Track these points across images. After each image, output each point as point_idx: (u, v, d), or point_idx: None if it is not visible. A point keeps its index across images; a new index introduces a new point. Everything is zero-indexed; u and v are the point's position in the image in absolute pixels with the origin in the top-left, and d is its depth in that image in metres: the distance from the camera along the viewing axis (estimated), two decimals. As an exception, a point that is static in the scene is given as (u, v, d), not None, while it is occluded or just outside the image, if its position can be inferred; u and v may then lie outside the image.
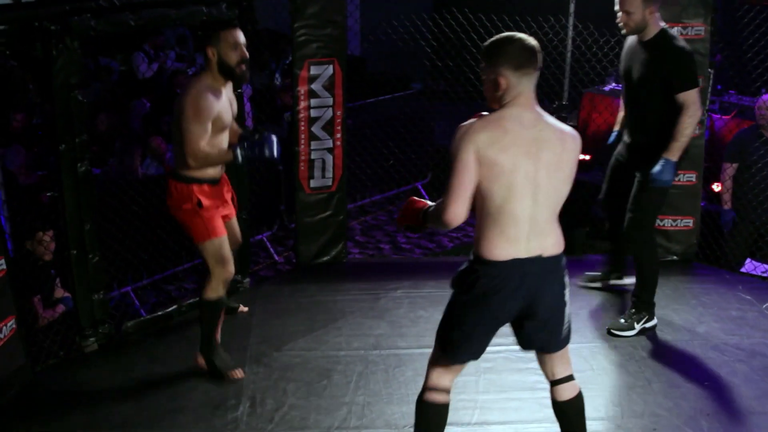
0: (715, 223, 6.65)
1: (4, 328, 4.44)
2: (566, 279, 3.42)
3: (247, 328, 5.25)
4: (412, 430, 4.13)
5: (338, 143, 5.98)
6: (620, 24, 4.85)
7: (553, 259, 3.33)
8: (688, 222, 6.21)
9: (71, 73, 4.62)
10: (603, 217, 7.48)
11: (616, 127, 5.39)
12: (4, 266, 4.40)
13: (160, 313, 5.39)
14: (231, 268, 4.52)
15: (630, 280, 5.45)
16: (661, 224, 6.16)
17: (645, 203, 5.00)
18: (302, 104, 5.83)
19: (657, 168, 4.82)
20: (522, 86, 3.21)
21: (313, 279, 5.94)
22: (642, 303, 5.16)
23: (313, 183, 5.98)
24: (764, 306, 5.55)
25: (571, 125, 6.52)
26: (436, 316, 5.23)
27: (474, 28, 6.72)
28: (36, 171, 7.06)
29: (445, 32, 7.11)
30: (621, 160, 5.24)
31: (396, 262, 7.07)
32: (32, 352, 4.79)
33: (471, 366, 4.68)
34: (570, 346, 4.85)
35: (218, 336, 4.68)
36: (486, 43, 3.29)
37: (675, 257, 6.24)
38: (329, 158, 5.98)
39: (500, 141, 3.16)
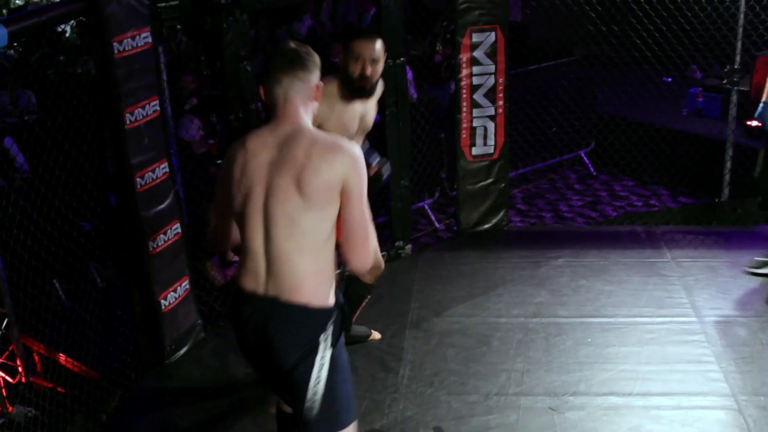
0: None
1: (179, 288, 4.70)
2: (319, 342, 2.85)
3: (408, 293, 5.33)
4: (571, 398, 4.16)
5: (500, 111, 5.95)
6: None
7: (291, 308, 2.82)
8: None
9: (240, 46, 4.78)
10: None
11: (765, 98, 5.16)
12: (180, 230, 4.65)
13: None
14: None
15: None
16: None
17: None
18: (464, 72, 5.83)
19: None
20: (273, 97, 2.89)
21: (474, 246, 5.96)
22: None
23: (474, 150, 5.99)
24: None
25: (743, 90, 6.31)
26: (598, 285, 5.25)
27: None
28: (208, 140, 7.37)
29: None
30: None
31: (557, 231, 7.00)
32: (204, 312, 5.04)
33: (634, 337, 4.68)
34: (739, 319, 4.82)
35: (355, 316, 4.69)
36: None
37: None
38: (491, 126, 5.97)
39: (237, 161, 2.90)
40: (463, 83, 5.85)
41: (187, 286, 4.77)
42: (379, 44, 3.99)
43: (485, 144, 5.98)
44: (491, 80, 5.88)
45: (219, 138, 7.28)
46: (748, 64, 7.54)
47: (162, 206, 4.51)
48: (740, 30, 6.25)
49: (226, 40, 4.74)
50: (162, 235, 4.52)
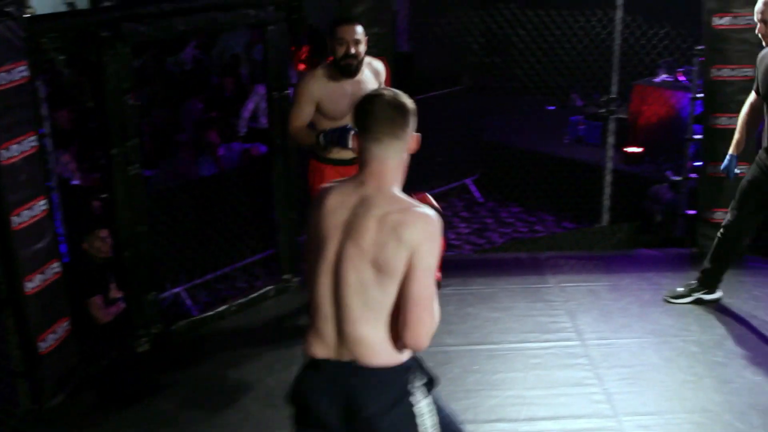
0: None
1: (59, 329, 4.55)
2: (410, 392, 2.76)
3: (296, 327, 5.29)
4: (485, 426, 4.17)
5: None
6: (758, 35, 4.66)
7: (374, 372, 2.71)
8: (741, 215, 6.11)
9: (122, 79, 4.71)
10: (653, 211, 7.46)
11: (732, 151, 5.09)
12: (58, 269, 4.52)
13: (211, 312, 5.48)
14: None
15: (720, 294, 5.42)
16: (713, 216, 6.09)
17: None
18: (349, 103, 5.87)
19: None
20: (368, 153, 2.73)
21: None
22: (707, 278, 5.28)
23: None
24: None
25: (620, 118, 6.49)
26: (485, 312, 5.32)
27: (521, 23, 6.71)
28: (90, 174, 7.21)
29: (492, 28, 7.09)
30: (761, 185, 4.95)
31: (445, 259, 7.01)
32: (86, 353, 4.91)
33: (520, 362, 4.76)
34: (619, 341, 4.94)
35: None
36: None
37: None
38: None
39: (313, 216, 2.81)
40: (348, 115, 5.88)
41: (68, 327, 4.63)
42: (359, 28, 4.66)
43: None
44: (377, 111, 5.91)
45: (102, 172, 7.13)
46: (625, 93, 7.82)
47: (40, 245, 4.37)
48: (616, 60, 6.48)
49: (108, 73, 4.67)
50: (40, 275, 4.38)
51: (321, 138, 4.57)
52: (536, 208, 8.50)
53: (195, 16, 5.00)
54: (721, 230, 5.19)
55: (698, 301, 5.34)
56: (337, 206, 2.73)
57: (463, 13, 6.68)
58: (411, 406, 2.73)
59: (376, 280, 2.65)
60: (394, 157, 2.73)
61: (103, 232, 5.44)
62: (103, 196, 5.17)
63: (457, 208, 8.77)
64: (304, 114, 4.75)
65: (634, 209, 7.19)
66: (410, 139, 2.76)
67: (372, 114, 2.69)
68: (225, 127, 8.49)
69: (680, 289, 5.40)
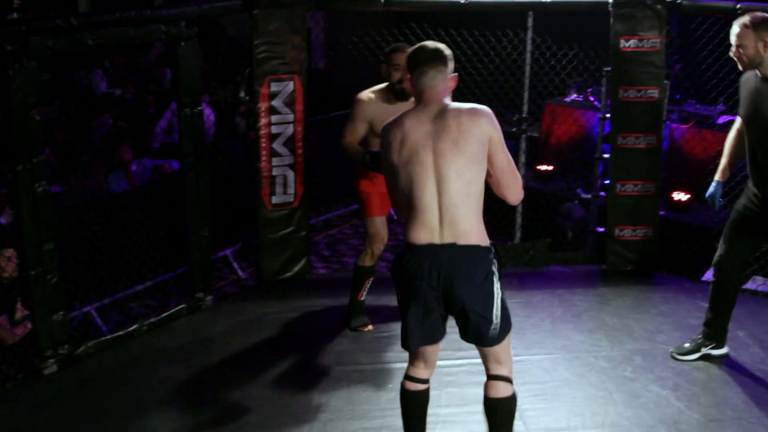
0: (675, 231, 6.74)
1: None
2: (493, 272, 3.51)
3: (209, 346, 5.24)
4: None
5: (299, 159, 5.99)
6: (734, 58, 4.54)
7: (467, 249, 3.45)
8: (648, 231, 6.27)
9: (29, 93, 4.60)
10: (565, 228, 7.59)
11: (718, 177, 4.89)
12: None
13: (121, 332, 5.36)
14: (380, 244, 5.34)
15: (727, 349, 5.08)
16: (621, 234, 6.24)
17: None
18: (263, 121, 5.84)
19: None
20: (420, 85, 3.55)
21: (277, 295, 5.94)
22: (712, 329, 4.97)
23: (274, 199, 5.99)
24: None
25: (532, 136, 6.56)
26: (398, 329, 5.28)
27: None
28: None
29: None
30: (751, 215, 4.70)
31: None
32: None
33: (434, 380, 4.74)
34: (531, 358, 5.00)
35: (362, 297, 5.41)
36: None
37: (635, 267, 6.31)
38: (291, 174, 5.99)
39: (395, 138, 3.52)
40: (262, 132, 5.86)
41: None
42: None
43: (285, 193, 5.99)
44: (290, 129, 5.92)
45: (9, 188, 6.93)
46: (536, 112, 7.94)
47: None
48: (527, 80, 6.58)
49: (13, 88, 4.55)
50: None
51: (367, 157, 4.79)
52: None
53: (104, 31, 4.92)
54: (714, 268, 4.92)
55: (706, 357, 4.99)
56: (415, 124, 3.50)
57: (376, 32, 6.70)
58: (492, 284, 3.50)
59: (468, 166, 3.44)
60: (439, 84, 3.53)
61: (8, 252, 5.28)
62: (11, 212, 5.03)
63: (371, 226, 8.76)
64: (356, 131, 5.05)
65: (546, 227, 7.29)
66: (450, 77, 3.57)
67: (417, 56, 3.55)
68: (137, 142, 8.36)
69: (687, 345, 5.05)
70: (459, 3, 6.04)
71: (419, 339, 3.64)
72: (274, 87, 5.81)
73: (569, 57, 6.74)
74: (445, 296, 3.50)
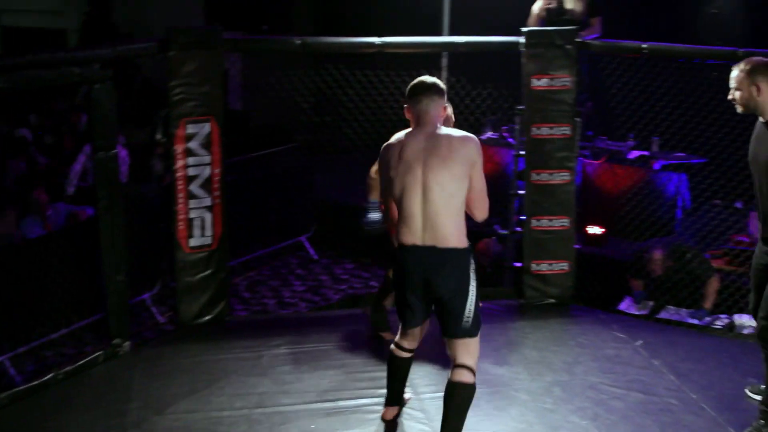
0: (590, 264, 6.87)
1: None
2: (470, 272, 4.09)
3: (127, 393, 5.13)
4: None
5: (217, 201, 5.95)
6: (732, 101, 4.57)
7: (446, 251, 4.03)
8: (564, 266, 6.39)
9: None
10: (483, 264, 7.66)
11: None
12: None
13: (35, 382, 5.22)
14: None
15: None
16: (538, 269, 6.34)
17: None
18: (179, 163, 5.80)
19: None
20: (418, 111, 4.17)
21: (196, 339, 5.86)
22: None
23: (192, 242, 5.93)
24: (637, 343, 5.75)
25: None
26: (320, 371, 5.30)
27: (350, 83, 6.83)
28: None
29: (321, 88, 7.19)
30: (761, 267, 4.68)
31: (280, 318, 7.06)
32: None
33: (357, 420, 4.76)
34: (436, 394, 5.01)
35: (388, 302, 5.65)
36: None
37: (552, 300, 6.41)
38: (208, 216, 5.94)
39: (394, 151, 4.14)
40: (178, 174, 5.81)
41: None
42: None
43: (203, 235, 5.94)
44: (207, 171, 5.88)
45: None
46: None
47: None
48: (442, 119, 6.67)
49: None
50: None
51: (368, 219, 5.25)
52: (370, 264, 8.59)
53: (16, 74, 4.84)
54: (762, 343, 4.64)
55: None
56: (411, 142, 4.11)
57: (293, 73, 6.74)
58: (468, 283, 4.09)
59: (451, 181, 4.00)
60: (434, 110, 4.16)
61: None
62: None
63: (292, 266, 8.76)
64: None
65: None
66: (442, 107, 4.22)
67: (416, 87, 4.21)
68: (52, 186, 8.21)
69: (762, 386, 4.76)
70: (374, 44, 6.11)
71: (412, 322, 4.28)
72: (190, 129, 5.78)
73: (483, 96, 6.87)
74: (426, 289, 4.10)
